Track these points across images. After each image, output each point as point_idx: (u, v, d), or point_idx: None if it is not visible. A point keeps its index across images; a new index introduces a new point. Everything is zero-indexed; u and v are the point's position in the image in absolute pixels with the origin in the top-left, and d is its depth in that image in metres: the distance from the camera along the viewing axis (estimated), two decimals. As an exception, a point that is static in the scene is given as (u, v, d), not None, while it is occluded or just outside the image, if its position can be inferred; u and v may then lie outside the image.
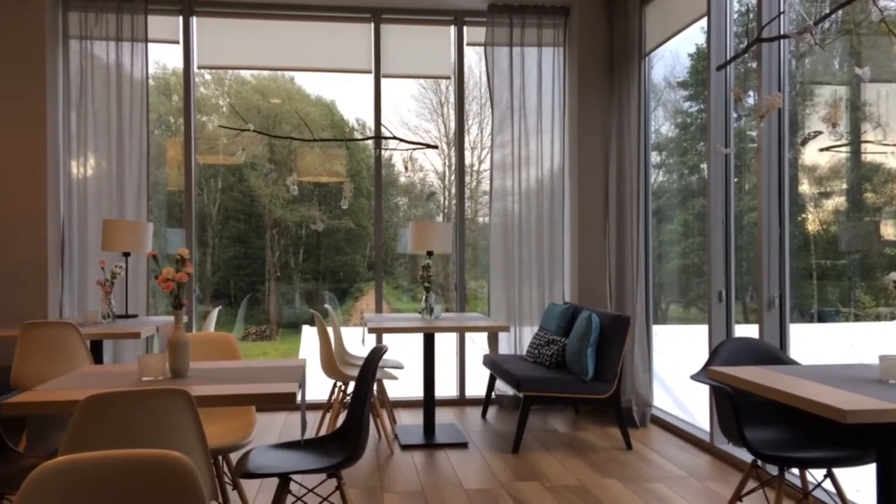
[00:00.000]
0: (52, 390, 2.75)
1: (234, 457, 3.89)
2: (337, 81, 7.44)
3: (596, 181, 6.01)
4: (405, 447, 4.88)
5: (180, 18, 5.88)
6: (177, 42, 5.90)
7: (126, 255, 5.31)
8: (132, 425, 2.42)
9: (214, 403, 2.71)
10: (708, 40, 4.72)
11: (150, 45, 5.71)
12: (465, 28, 6.20)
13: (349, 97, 7.59)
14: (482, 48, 6.17)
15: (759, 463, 3.09)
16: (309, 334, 9.83)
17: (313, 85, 8.25)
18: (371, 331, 4.82)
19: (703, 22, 4.86)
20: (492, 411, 5.98)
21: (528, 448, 4.84)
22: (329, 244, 9.67)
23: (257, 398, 2.72)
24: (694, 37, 5.37)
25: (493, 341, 6.03)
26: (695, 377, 3.26)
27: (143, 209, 5.70)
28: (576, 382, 4.78)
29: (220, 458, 3.41)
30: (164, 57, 6.22)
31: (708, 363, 3.34)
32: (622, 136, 5.77)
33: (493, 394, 5.92)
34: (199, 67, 6.02)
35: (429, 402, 5.08)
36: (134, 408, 2.41)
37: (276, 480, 2.90)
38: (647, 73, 5.75)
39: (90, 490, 1.62)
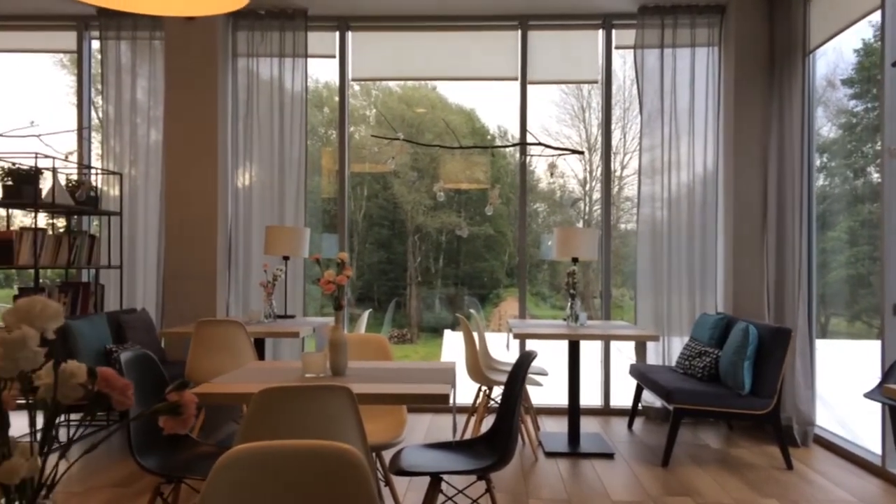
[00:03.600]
0: (227, 383, 2.96)
1: (384, 454, 4.02)
2: (477, 89, 7.53)
3: (753, 185, 5.73)
4: (549, 454, 4.85)
5: (336, 34, 6.17)
6: (333, 56, 6.20)
7: (285, 258, 5.63)
8: (299, 418, 2.56)
9: (373, 401, 2.83)
10: (882, 34, 4.39)
11: (308, 59, 6.04)
12: (613, 31, 6.11)
13: (490, 105, 7.66)
14: (629, 51, 6.05)
15: (946, 492, 2.82)
16: (450, 338, 9.98)
17: (454, 94, 8.40)
18: (516, 336, 4.84)
19: (873, 15, 4.52)
20: (638, 422, 5.82)
21: (678, 462, 4.68)
22: (468, 250, 9.79)
23: (413, 398, 2.80)
24: (860, 31, 5.01)
25: (640, 351, 5.87)
26: (869, 395, 3.03)
27: (300, 215, 6.02)
28: (731, 396, 4.57)
29: (373, 454, 3.54)
30: (317, 71, 6.52)
31: (883, 380, 3.09)
32: (783, 137, 5.46)
33: (639, 405, 5.77)
34: (352, 80, 6.29)
35: (573, 411, 5.03)
36: (301, 402, 2.55)
37: (426, 479, 2.97)
38: (812, 72, 5.41)
39: (271, 476, 1.73)
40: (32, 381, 1.00)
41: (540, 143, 5.52)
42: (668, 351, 5.89)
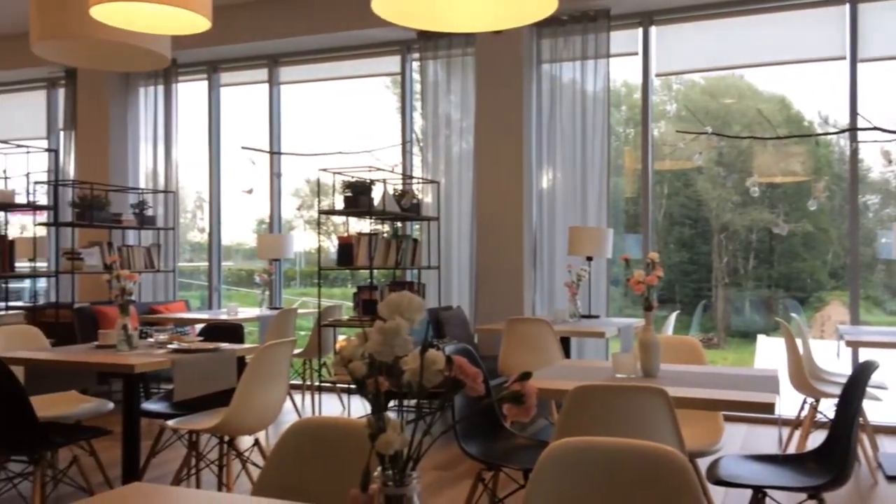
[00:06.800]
0: (540, 379, 3.07)
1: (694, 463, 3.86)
2: (791, 74, 6.85)
3: None
4: (892, 478, 4.27)
5: (639, 30, 6.08)
6: (635, 54, 6.11)
7: (589, 259, 5.68)
8: (613, 417, 2.56)
9: (690, 406, 2.73)
10: None
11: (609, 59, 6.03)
12: (970, -10, 5.21)
13: (806, 89, 6.94)
14: None
15: None
16: (764, 344, 9.27)
17: (765, 80, 7.76)
18: (849, 344, 4.34)
19: None
20: None
21: None
22: (783, 249, 8.99)
23: (734, 405, 2.66)
24: None
25: None
26: None
27: (603, 216, 6.03)
28: None
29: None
30: (614, 70, 6.39)
31: None
32: None
33: None
34: (656, 75, 6.15)
35: (923, 432, 4.37)
36: (614, 401, 2.56)
37: (745, 492, 2.79)
38: None
39: (594, 471, 1.75)
40: (401, 366, 1.14)
41: (876, 128, 4.89)
42: None
